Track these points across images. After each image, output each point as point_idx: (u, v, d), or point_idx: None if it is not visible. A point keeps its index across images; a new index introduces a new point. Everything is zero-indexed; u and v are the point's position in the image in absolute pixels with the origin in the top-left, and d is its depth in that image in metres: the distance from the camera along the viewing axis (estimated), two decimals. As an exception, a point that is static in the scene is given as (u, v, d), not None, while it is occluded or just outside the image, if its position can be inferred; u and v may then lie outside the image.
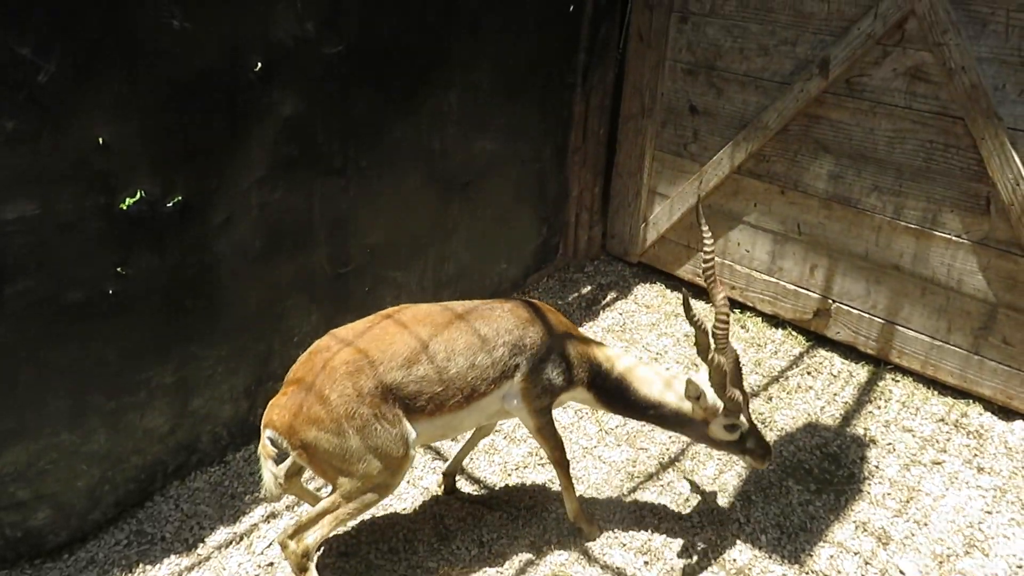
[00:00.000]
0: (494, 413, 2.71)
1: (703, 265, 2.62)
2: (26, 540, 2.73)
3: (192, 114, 2.67)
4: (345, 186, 3.26)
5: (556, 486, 3.07)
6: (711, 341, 2.52)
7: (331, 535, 2.58)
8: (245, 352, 3.15)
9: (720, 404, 2.61)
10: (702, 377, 2.63)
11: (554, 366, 2.65)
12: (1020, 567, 2.78)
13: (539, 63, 3.95)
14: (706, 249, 2.61)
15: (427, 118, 3.51)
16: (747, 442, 2.69)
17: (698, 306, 4.36)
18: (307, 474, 2.92)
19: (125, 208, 2.57)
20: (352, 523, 2.87)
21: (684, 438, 3.16)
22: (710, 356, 2.51)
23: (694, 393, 2.60)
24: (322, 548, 2.80)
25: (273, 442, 2.43)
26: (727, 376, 2.54)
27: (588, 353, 2.74)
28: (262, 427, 2.45)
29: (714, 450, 2.89)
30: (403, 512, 3.03)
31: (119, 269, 2.63)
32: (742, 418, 2.65)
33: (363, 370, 2.41)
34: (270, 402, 2.48)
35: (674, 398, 2.69)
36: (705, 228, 2.62)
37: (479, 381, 2.54)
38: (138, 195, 2.59)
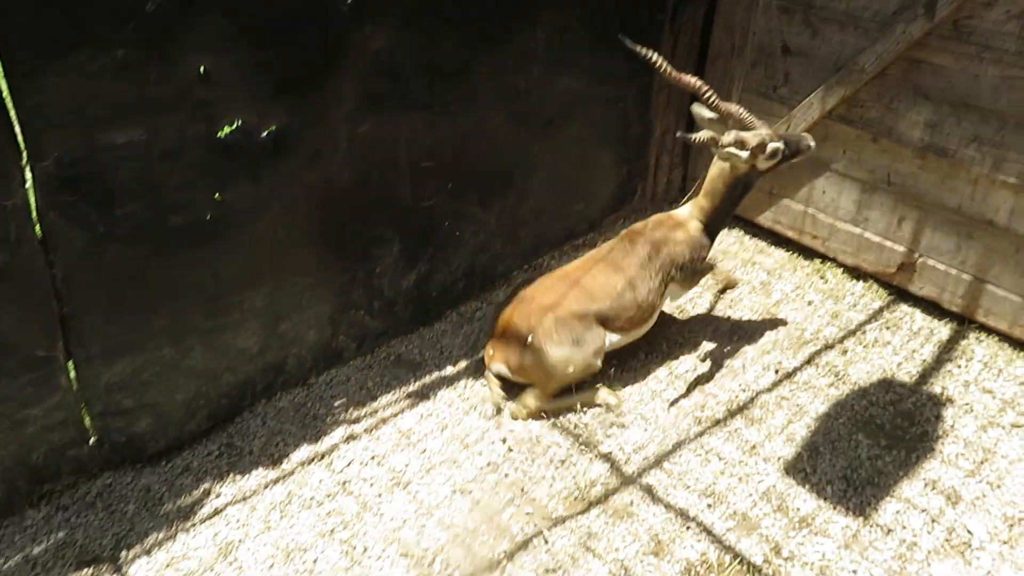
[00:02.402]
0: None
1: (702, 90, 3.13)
2: (129, 445, 2.97)
3: (286, 47, 2.73)
4: (430, 121, 3.29)
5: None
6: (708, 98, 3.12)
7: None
8: (330, 280, 3.28)
9: (752, 147, 3.10)
10: (710, 134, 3.09)
11: (692, 253, 3.36)
12: (1096, 536, 2.74)
13: (627, 0, 3.86)
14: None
15: (513, 56, 3.49)
16: (789, 151, 3.20)
17: (779, 255, 4.30)
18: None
19: (222, 136, 2.67)
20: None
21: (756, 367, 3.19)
22: (718, 107, 3.10)
23: (725, 155, 3.11)
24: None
25: (497, 373, 3.25)
26: (740, 115, 3.10)
27: (689, 226, 3.37)
28: (486, 362, 3.29)
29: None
30: (475, 441, 3.15)
31: (216, 196, 2.76)
32: (771, 141, 3.13)
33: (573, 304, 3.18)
34: (488, 346, 3.29)
35: (726, 173, 3.25)
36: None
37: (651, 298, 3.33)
38: (235, 124, 2.69)
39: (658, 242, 3.32)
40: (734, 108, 3.11)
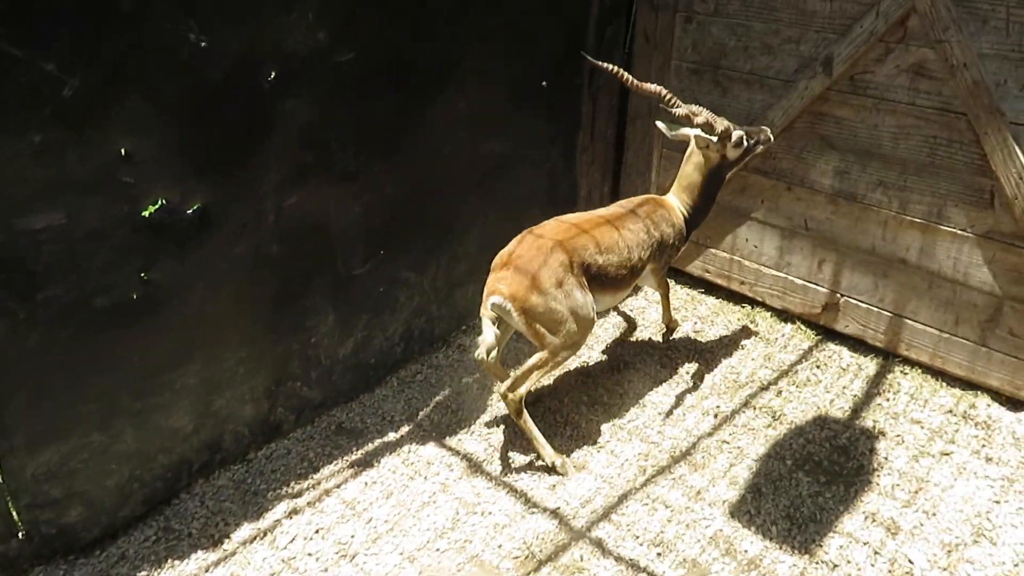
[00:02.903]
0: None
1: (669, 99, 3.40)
2: (60, 536, 2.84)
3: (210, 124, 2.76)
4: (359, 190, 3.34)
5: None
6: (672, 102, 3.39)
7: (534, 386, 3.29)
8: (265, 353, 3.24)
9: (719, 132, 3.43)
10: (694, 132, 3.47)
11: (676, 239, 3.62)
12: (1027, 554, 2.83)
13: (547, 66, 4.01)
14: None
15: (438, 123, 3.58)
16: (752, 140, 3.54)
17: (710, 302, 4.42)
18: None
19: (147, 216, 2.67)
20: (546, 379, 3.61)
21: (697, 430, 3.24)
22: (683, 112, 3.37)
23: (703, 143, 3.49)
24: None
25: (497, 306, 3.14)
26: (702, 114, 3.41)
27: (677, 214, 3.61)
28: (487, 295, 3.18)
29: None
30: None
31: (143, 275, 2.73)
32: (735, 130, 3.46)
33: (568, 251, 3.19)
34: (492, 278, 3.21)
35: (701, 165, 3.56)
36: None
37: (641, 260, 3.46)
38: (159, 203, 2.68)
39: (657, 220, 3.53)
40: (695, 107, 3.44)
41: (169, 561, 2.89)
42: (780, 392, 3.71)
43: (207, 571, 2.85)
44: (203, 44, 2.62)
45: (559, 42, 4.04)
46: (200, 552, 2.93)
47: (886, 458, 3.29)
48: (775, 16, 3.77)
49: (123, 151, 2.53)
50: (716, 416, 3.56)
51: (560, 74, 4.12)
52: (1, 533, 2.71)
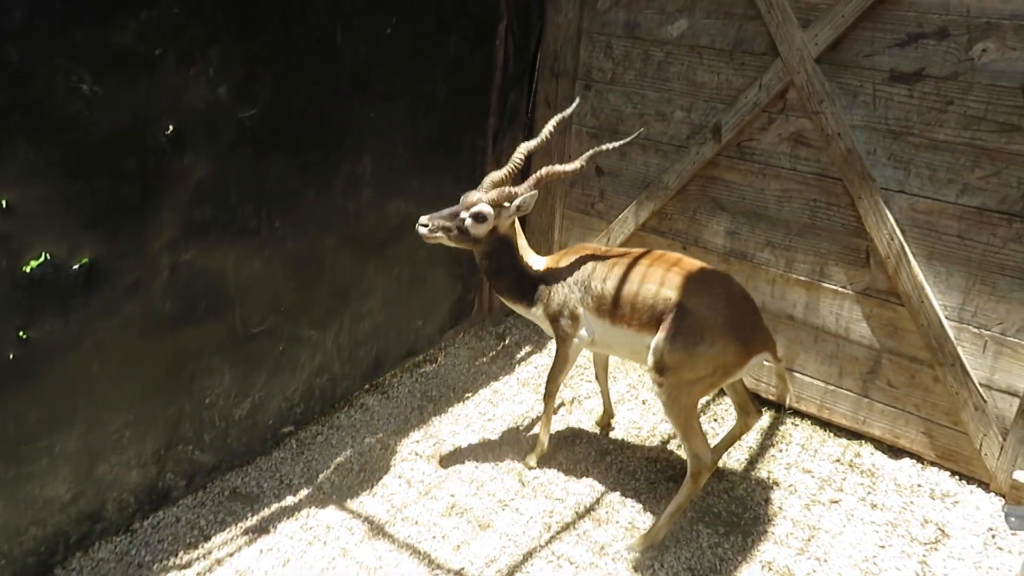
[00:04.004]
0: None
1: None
2: (-89, 623, 2.58)
3: (101, 177, 2.66)
4: (259, 247, 3.28)
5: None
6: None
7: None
8: (154, 416, 3.09)
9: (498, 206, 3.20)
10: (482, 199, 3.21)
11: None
12: (911, 597, 2.95)
13: (451, 129, 4.10)
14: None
15: (341, 182, 3.58)
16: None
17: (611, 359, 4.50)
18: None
19: (28, 271, 2.53)
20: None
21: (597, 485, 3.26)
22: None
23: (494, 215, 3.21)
24: None
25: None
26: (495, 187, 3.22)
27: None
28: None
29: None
30: (319, 574, 2.99)
31: (21, 333, 2.58)
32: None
33: None
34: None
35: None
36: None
37: None
38: (43, 257, 2.56)
39: None
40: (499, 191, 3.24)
41: (40, 644, 2.66)
42: (680, 446, 3.79)
43: (83, 653, 2.64)
44: (97, 95, 2.55)
45: (464, 105, 4.14)
46: (75, 633, 2.71)
47: (780, 507, 3.40)
48: (668, 86, 3.99)
49: (3, 203, 2.41)
50: (619, 471, 3.60)
51: (464, 135, 4.21)
52: None
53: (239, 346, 3.34)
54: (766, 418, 4.00)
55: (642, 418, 3.99)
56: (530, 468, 3.58)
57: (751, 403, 3.46)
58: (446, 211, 3.20)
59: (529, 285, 3.37)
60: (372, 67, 3.53)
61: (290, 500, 3.35)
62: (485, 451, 3.72)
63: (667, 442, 3.81)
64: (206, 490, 3.37)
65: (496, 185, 3.22)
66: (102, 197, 2.69)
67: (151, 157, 2.78)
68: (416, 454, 3.68)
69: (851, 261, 3.64)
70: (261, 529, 3.19)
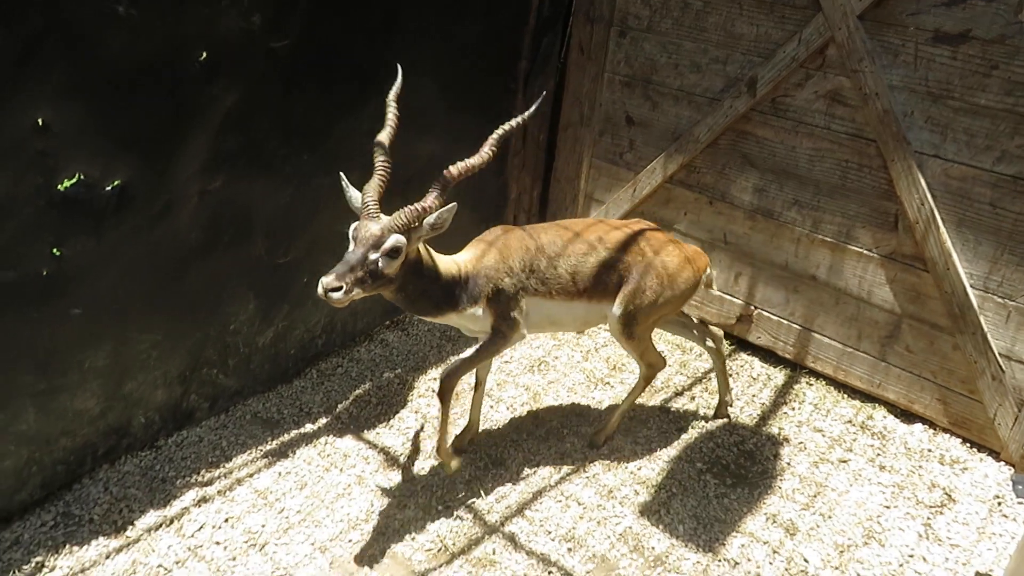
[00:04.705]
0: None
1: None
2: (-52, 520, 2.72)
3: (135, 100, 2.70)
4: (286, 180, 3.31)
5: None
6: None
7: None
8: (181, 338, 3.18)
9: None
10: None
11: None
12: (911, 556, 3.00)
13: (482, 70, 4.06)
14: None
15: (369, 118, 3.57)
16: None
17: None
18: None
19: (63, 189, 2.59)
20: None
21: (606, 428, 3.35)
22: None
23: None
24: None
25: None
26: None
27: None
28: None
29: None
30: (334, 499, 3.09)
31: (55, 251, 2.64)
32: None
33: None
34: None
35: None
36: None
37: None
38: (76, 177, 2.61)
39: None
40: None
41: (67, 547, 2.79)
42: (693, 398, 3.83)
43: (108, 558, 2.77)
44: (132, 18, 2.56)
45: (496, 47, 4.09)
46: (101, 538, 2.84)
47: (788, 463, 3.44)
48: (704, 36, 3.91)
49: (40, 121, 2.45)
50: (631, 418, 3.65)
51: (495, 77, 4.18)
52: None
53: (263, 276, 3.40)
54: (781, 376, 4.02)
55: (657, 369, 4.02)
56: (451, 472, 3.22)
57: (705, 327, 3.64)
58: (348, 260, 2.50)
59: (460, 290, 2.90)
60: (404, 4, 3.50)
61: (309, 427, 3.45)
62: (499, 391, 3.79)
63: (681, 393, 3.85)
64: (228, 413, 3.47)
65: (377, 199, 2.63)
66: (135, 121, 2.72)
67: (183, 84, 2.81)
68: (432, 391, 3.75)
69: (879, 224, 3.60)
70: (280, 453, 3.29)
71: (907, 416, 3.75)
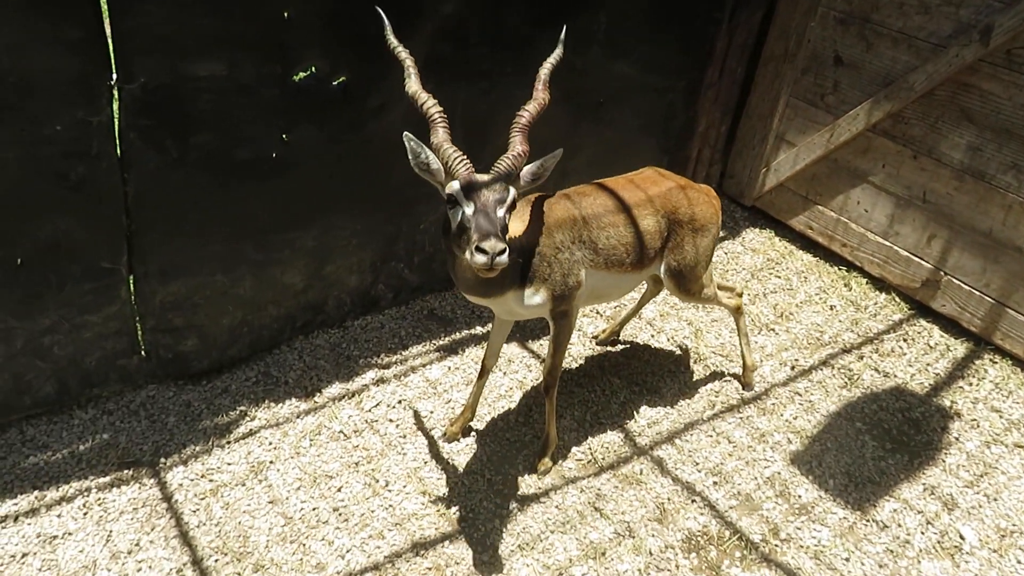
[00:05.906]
0: None
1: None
2: (175, 362, 3.14)
3: (364, 4, 2.85)
4: (488, 89, 3.42)
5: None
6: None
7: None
8: (376, 231, 3.43)
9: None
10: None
11: None
12: (1083, 554, 2.85)
13: (688, -7, 3.96)
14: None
15: (574, 35, 3.58)
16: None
17: (806, 258, 4.39)
18: (419, 348, 3.19)
19: (297, 80, 2.81)
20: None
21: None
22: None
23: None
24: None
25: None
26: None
27: None
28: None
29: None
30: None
31: (284, 135, 2.90)
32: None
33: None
34: None
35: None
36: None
37: None
38: (310, 70, 2.83)
39: None
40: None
41: (266, 403, 3.16)
42: (862, 357, 3.72)
43: (298, 417, 3.12)
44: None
45: (705, -29, 3.96)
46: (293, 400, 3.19)
47: (957, 438, 3.30)
48: (939, -26, 3.61)
49: (286, 14, 2.67)
50: (793, 368, 3.61)
51: (700, 4, 4.05)
52: (125, 349, 3.01)
53: (455, 181, 3.56)
54: (961, 349, 3.81)
55: (827, 323, 3.91)
56: (548, 469, 2.99)
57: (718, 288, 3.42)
58: (492, 220, 2.19)
59: (523, 264, 2.54)
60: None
61: (479, 329, 3.66)
62: (662, 322, 3.83)
63: (849, 351, 3.74)
64: (408, 306, 3.74)
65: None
66: (363, 21, 2.88)
67: (406, -10, 2.93)
68: (598, 312, 3.85)
69: (1110, 201, 3.27)
70: (451, 349, 3.52)
71: (1102, 411, 3.48)
